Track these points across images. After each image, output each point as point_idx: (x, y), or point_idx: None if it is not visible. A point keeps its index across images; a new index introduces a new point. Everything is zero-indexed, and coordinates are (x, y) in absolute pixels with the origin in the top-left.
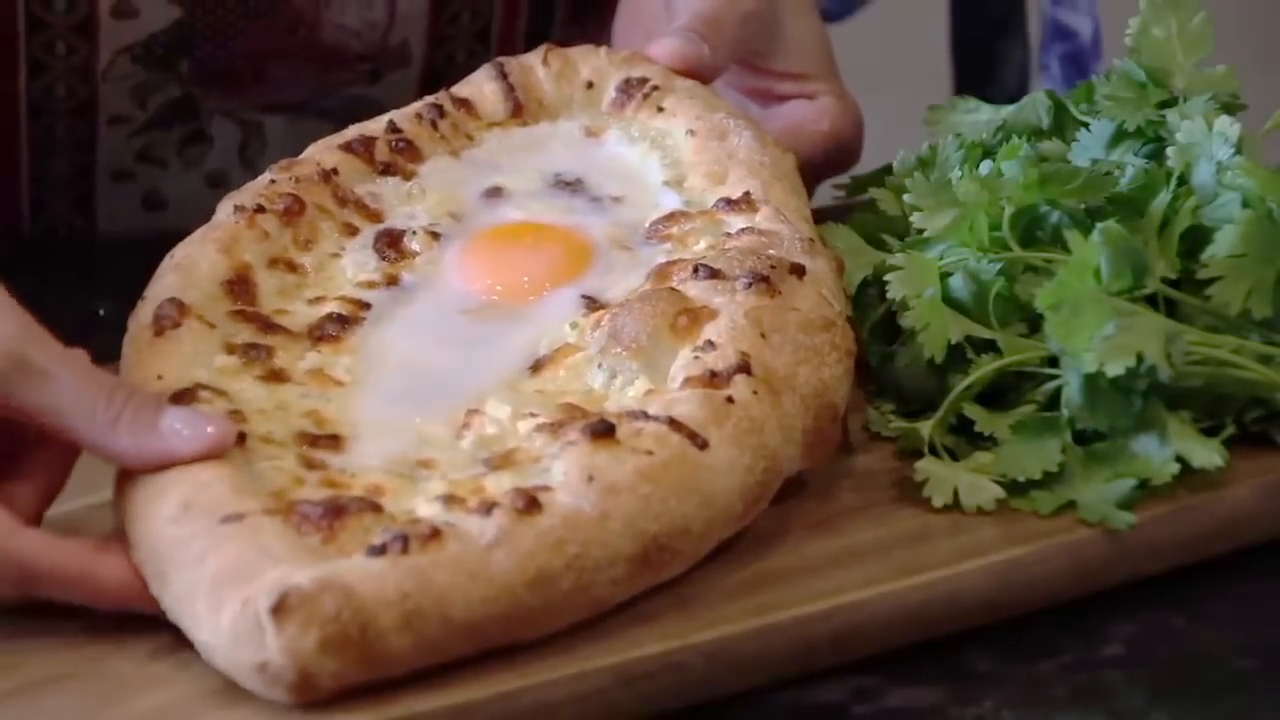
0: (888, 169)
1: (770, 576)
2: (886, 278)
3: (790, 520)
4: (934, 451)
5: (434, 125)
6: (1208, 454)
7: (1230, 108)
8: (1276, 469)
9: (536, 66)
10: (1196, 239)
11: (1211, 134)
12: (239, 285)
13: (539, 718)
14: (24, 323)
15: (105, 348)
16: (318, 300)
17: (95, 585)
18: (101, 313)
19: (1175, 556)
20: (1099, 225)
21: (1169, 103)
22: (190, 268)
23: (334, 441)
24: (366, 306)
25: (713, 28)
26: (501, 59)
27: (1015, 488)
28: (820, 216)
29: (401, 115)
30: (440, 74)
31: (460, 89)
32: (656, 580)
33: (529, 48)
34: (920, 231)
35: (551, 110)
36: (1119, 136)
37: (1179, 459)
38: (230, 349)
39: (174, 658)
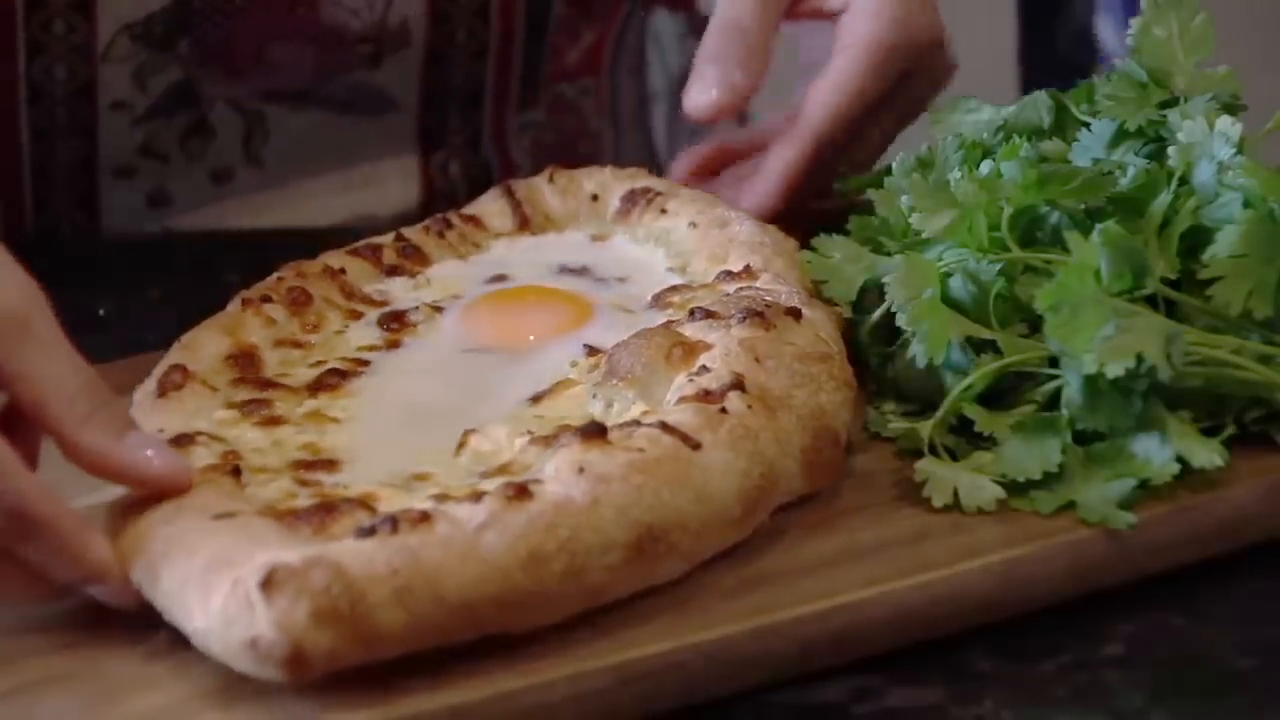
0: (887, 170)
1: (770, 576)
2: (885, 279)
3: (790, 520)
4: (934, 451)
5: (441, 235)
6: (1208, 454)
7: (1231, 108)
8: (1276, 469)
9: (542, 185)
10: (1197, 239)
11: (1212, 134)
12: (244, 359)
13: (538, 718)
14: (34, 293)
15: (105, 348)
16: (318, 364)
17: (81, 553)
18: (102, 313)
19: (1175, 556)
20: (1099, 226)
21: (1170, 103)
22: (196, 347)
23: (329, 465)
24: (366, 364)
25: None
26: (510, 181)
27: (1015, 488)
28: (820, 218)
29: (409, 230)
30: (441, 56)
31: (467, 209)
32: (654, 574)
33: (529, 25)
34: (919, 233)
35: (558, 223)
36: (1120, 136)
37: (1179, 459)
38: (230, 405)
39: (171, 658)
